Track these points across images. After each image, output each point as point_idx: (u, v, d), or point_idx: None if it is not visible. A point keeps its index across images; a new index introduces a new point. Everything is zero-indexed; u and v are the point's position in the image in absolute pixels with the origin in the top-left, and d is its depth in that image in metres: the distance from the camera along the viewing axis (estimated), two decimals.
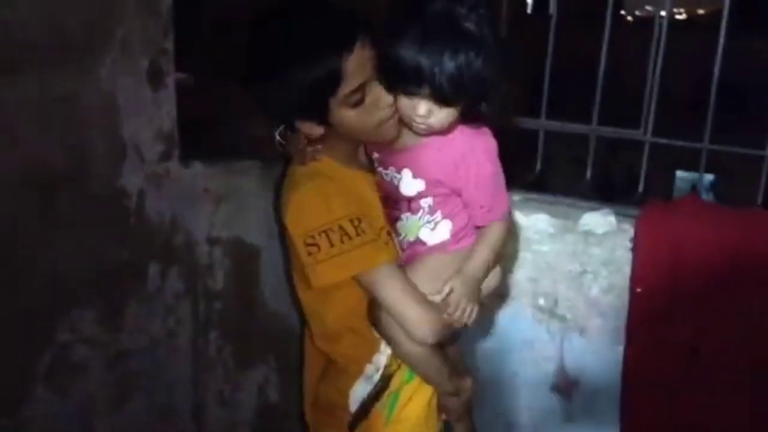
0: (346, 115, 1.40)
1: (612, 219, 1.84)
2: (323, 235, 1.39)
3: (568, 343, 1.93)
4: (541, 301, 1.93)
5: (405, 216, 1.52)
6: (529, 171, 2.36)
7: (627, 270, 1.82)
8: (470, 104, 1.37)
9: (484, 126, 1.45)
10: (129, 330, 2.10)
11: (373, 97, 1.39)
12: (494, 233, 1.50)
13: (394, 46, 1.32)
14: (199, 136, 2.23)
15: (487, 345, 2.02)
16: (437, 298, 1.45)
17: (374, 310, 1.50)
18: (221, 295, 2.34)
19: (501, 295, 1.97)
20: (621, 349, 1.85)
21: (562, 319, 1.92)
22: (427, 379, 1.59)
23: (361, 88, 1.37)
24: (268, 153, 1.76)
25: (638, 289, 1.79)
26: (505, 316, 1.98)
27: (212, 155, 2.22)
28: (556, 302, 1.91)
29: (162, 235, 2.16)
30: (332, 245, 1.39)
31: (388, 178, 1.52)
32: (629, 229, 1.81)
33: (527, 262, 1.92)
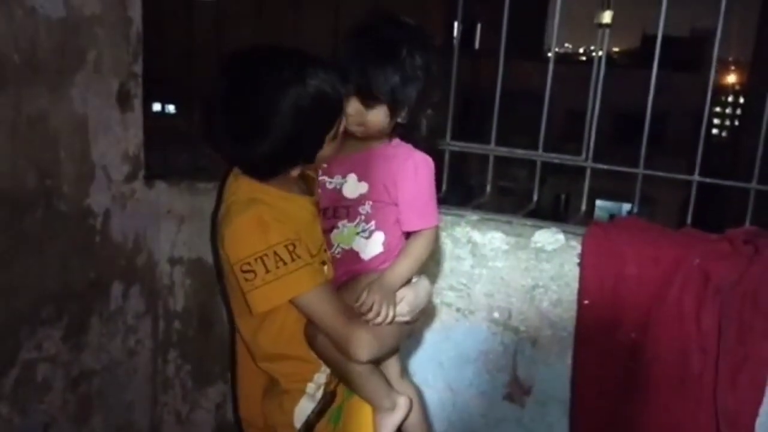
0: (327, 149, 1.53)
1: (561, 237, 1.98)
2: (259, 261, 1.44)
3: (521, 354, 2.05)
4: (496, 315, 2.05)
5: (342, 224, 1.61)
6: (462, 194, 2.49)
7: (575, 284, 1.96)
8: (392, 109, 1.55)
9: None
10: (91, 349, 2.12)
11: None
12: (417, 246, 1.61)
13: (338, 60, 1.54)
14: (165, 157, 2.28)
15: (444, 357, 2.13)
16: (357, 305, 1.54)
17: (310, 330, 1.56)
18: (181, 315, 2.38)
19: (459, 309, 2.08)
20: (570, 358, 1.99)
21: (516, 331, 2.04)
22: (363, 397, 1.63)
23: (340, 122, 1.52)
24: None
25: (585, 302, 1.94)
26: (462, 330, 2.09)
27: (176, 176, 2.27)
28: (509, 315, 2.04)
29: (125, 254, 2.19)
30: (268, 271, 1.44)
31: (332, 186, 1.62)
32: (577, 246, 1.95)
33: (483, 278, 2.04)
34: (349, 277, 1.62)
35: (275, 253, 1.44)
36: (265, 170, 1.52)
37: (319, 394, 1.60)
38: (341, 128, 1.53)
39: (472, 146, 2.41)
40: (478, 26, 15.27)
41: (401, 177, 1.58)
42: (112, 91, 2.03)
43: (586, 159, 2.23)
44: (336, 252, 1.62)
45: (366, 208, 1.60)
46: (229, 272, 1.54)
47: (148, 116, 2.23)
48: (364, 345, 1.50)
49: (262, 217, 1.46)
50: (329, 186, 1.63)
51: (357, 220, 1.60)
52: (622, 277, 1.89)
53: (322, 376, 1.61)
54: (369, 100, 1.52)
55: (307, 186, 1.67)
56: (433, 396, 2.13)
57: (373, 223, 1.59)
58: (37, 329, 1.94)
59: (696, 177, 2.14)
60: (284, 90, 1.42)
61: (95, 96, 1.97)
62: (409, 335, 1.72)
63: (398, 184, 1.58)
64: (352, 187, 1.60)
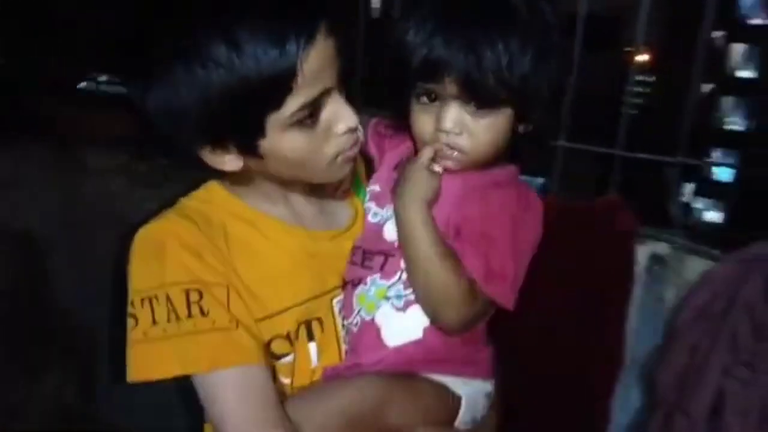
0: (290, 142, 0.91)
1: None
2: (146, 304, 0.94)
3: None
4: None
5: (371, 279, 0.99)
6: None
7: None
8: (519, 112, 0.92)
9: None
10: None
11: (330, 116, 0.92)
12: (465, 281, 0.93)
13: (402, 32, 0.90)
14: None
15: None
16: None
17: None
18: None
19: None
20: None
21: None
22: None
23: (317, 102, 0.89)
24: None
25: None
26: None
27: None
28: None
29: None
30: (154, 322, 0.93)
31: (375, 219, 1.03)
32: None
33: None
34: (349, 369, 1.00)
35: (168, 297, 0.93)
36: (178, 136, 0.91)
37: None
38: (321, 114, 0.91)
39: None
40: None
41: (489, 216, 0.94)
42: None
43: None
44: (353, 323, 1.00)
45: None
46: None
47: None
48: None
49: (162, 236, 0.96)
50: (372, 219, 1.04)
51: (392, 279, 0.98)
52: None
53: None
54: (484, 100, 0.89)
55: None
56: None
57: None
58: None
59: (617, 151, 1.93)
60: (187, 31, 0.84)
61: None
62: None
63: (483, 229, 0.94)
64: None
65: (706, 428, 1.20)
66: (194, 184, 1.04)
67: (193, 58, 0.82)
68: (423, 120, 0.93)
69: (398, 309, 0.97)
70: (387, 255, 0.98)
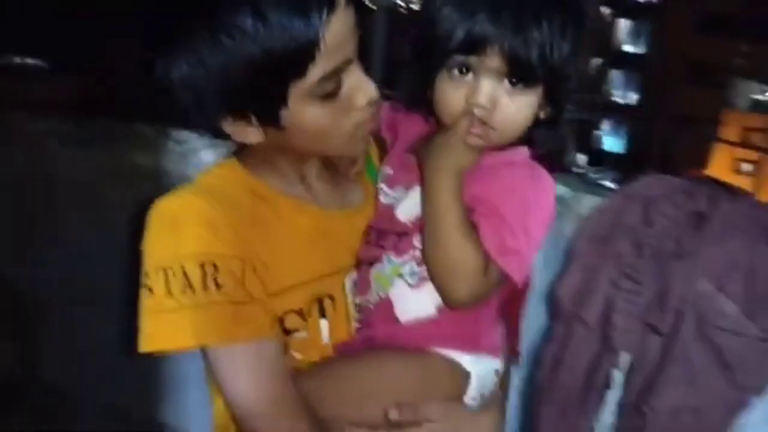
0: (311, 113, 0.93)
1: None
2: (161, 274, 0.94)
3: None
4: None
5: (386, 257, 1.02)
6: None
7: None
8: (549, 94, 0.94)
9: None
10: None
11: (351, 88, 0.94)
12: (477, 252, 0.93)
13: (438, 7, 0.92)
14: None
15: None
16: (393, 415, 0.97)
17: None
18: None
19: None
20: None
21: None
22: None
23: (338, 72, 0.91)
24: None
25: None
26: None
27: None
28: None
29: None
30: (169, 293, 0.94)
31: (388, 201, 1.06)
32: None
33: None
34: (364, 343, 1.04)
35: (183, 270, 0.94)
36: (198, 108, 0.93)
37: None
38: (342, 85, 0.93)
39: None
40: None
41: (502, 194, 0.96)
42: None
43: None
44: (371, 300, 1.03)
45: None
46: None
47: None
48: None
49: (178, 210, 0.97)
50: (384, 200, 1.06)
51: (405, 257, 1.00)
52: None
53: None
54: (523, 76, 0.91)
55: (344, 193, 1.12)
56: None
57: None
58: None
59: None
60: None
61: None
62: None
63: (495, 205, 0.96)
64: (411, 205, 1.01)
65: (599, 331, 1.45)
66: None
67: (218, 28, 0.84)
68: (453, 94, 0.93)
69: (412, 286, 0.99)
70: (400, 234, 1.01)
